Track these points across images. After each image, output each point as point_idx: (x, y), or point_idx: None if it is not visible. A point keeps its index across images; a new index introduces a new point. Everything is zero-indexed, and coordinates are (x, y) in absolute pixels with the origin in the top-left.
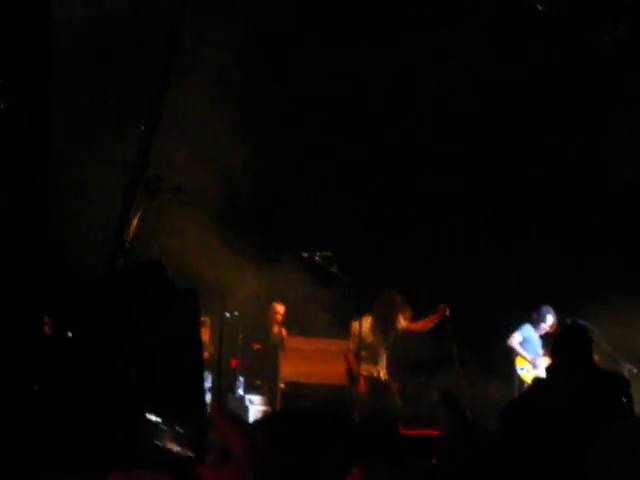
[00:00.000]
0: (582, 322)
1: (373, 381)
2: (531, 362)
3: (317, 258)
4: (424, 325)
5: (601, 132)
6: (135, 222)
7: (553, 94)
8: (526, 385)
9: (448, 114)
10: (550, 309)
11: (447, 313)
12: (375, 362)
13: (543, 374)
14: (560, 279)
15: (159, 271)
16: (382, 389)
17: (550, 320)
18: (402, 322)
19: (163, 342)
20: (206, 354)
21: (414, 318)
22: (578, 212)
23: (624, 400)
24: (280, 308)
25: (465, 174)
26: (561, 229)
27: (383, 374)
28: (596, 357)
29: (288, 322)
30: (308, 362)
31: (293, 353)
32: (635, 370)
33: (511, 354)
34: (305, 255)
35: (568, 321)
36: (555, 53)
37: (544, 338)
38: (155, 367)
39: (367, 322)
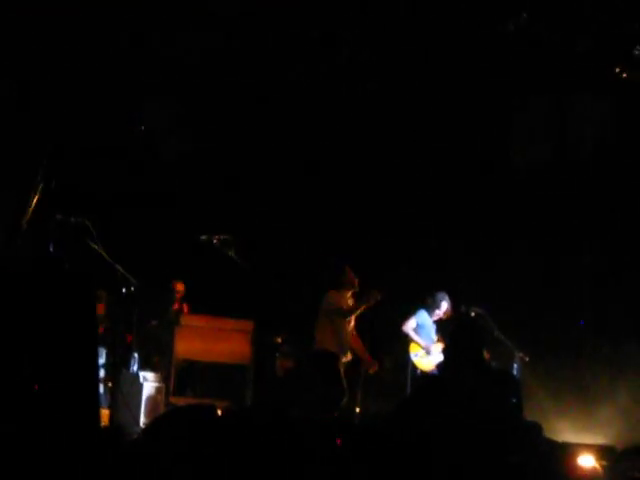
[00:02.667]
0: (476, 310)
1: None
2: (425, 348)
3: (215, 241)
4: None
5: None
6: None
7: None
8: (419, 371)
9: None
10: (445, 295)
11: (378, 298)
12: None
13: (436, 360)
14: (455, 265)
15: (51, 267)
16: None
17: (444, 306)
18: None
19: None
20: (101, 329)
21: None
22: (478, 198)
23: (514, 401)
24: (179, 285)
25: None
26: (461, 213)
27: None
28: (487, 354)
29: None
30: (204, 340)
31: (189, 330)
32: (527, 358)
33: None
34: (203, 238)
35: (463, 308)
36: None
37: (438, 323)
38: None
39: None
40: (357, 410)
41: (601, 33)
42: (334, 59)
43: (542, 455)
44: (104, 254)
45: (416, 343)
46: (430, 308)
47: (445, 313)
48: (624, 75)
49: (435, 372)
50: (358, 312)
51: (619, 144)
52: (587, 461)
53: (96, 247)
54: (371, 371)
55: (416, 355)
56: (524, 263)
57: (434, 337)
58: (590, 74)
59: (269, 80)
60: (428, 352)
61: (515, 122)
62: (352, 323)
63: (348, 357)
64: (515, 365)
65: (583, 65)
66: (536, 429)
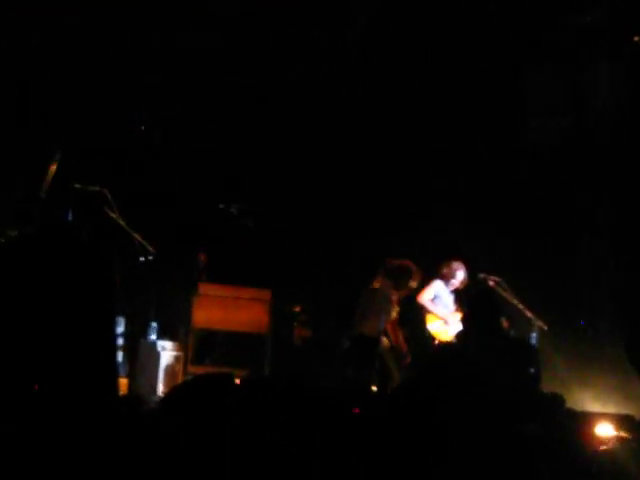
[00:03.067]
0: (494, 279)
1: None
2: (443, 318)
3: (233, 210)
4: None
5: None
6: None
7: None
8: (437, 341)
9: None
10: (461, 264)
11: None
12: None
13: (455, 330)
14: (472, 233)
15: (69, 235)
16: None
17: (461, 276)
18: None
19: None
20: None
21: None
22: (492, 167)
23: (532, 370)
24: (203, 257)
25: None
26: (478, 183)
27: None
28: (505, 323)
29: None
30: (222, 309)
31: (207, 300)
32: (545, 327)
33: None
34: (222, 206)
35: (481, 276)
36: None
37: (455, 293)
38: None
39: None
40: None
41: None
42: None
43: (559, 425)
44: (122, 223)
45: (434, 314)
46: (446, 278)
47: (461, 282)
48: None
49: (454, 342)
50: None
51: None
52: (605, 430)
53: (114, 216)
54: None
55: (434, 326)
56: (542, 232)
57: (452, 307)
58: (608, 44)
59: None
60: (446, 322)
61: (531, 93)
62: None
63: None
64: (534, 334)
65: (600, 35)
66: (557, 400)
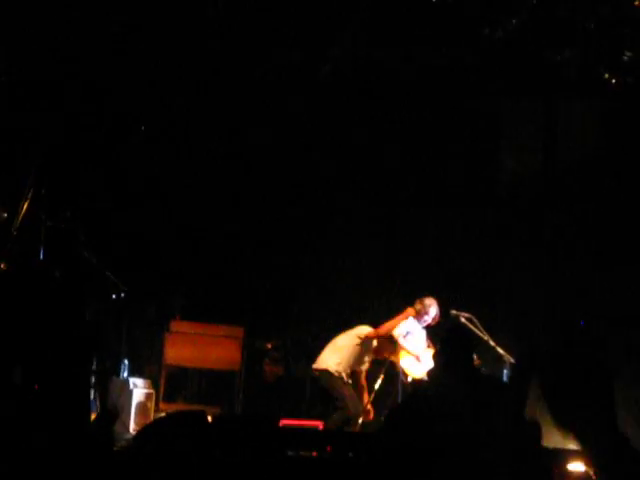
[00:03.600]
0: (465, 315)
1: None
2: (415, 356)
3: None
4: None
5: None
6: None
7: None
8: (409, 379)
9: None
10: (433, 301)
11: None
12: None
13: (427, 367)
14: (444, 270)
15: (43, 272)
16: None
17: (433, 312)
18: None
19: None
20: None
21: None
22: (463, 202)
23: (502, 407)
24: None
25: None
26: (447, 219)
27: None
28: (477, 360)
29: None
30: (194, 346)
31: (179, 336)
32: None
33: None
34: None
35: (453, 312)
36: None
37: (427, 329)
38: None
39: None
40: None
41: (589, 39)
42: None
43: (533, 462)
44: (94, 260)
45: (405, 350)
46: (419, 314)
47: (434, 319)
48: (613, 81)
49: (426, 379)
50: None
51: (609, 150)
52: (577, 467)
53: (86, 254)
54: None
55: (406, 361)
56: (512, 269)
57: (424, 344)
58: (579, 81)
59: None
60: (418, 359)
61: (502, 130)
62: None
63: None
64: (505, 371)
65: (571, 72)
66: (534, 429)
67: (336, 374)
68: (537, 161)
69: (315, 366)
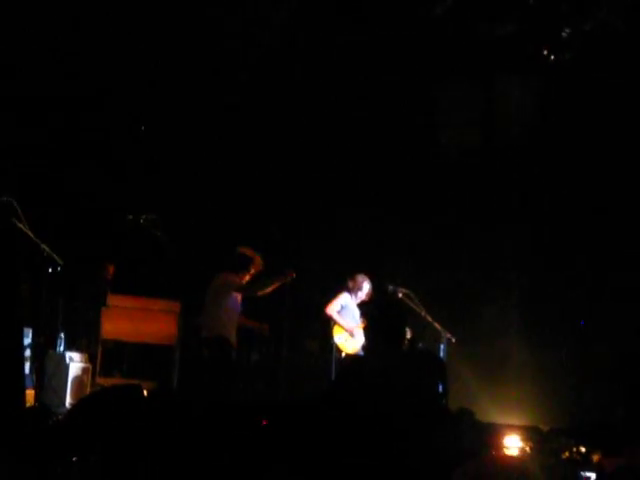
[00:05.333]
0: (402, 290)
1: None
2: (348, 331)
3: (142, 221)
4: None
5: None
6: None
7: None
8: (343, 354)
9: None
10: (366, 277)
11: (290, 278)
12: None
13: (361, 343)
14: (381, 245)
15: None
16: None
17: (366, 288)
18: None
19: None
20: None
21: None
22: (402, 178)
23: (437, 382)
24: (111, 269)
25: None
26: (385, 196)
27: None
28: (410, 333)
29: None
30: (131, 320)
31: (116, 311)
32: (454, 339)
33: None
34: (130, 217)
35: (390, 288)
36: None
37: (361, 306)
38: None
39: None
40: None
41: (528, 15)
42: None
43: (466, 437)
44: (30, 233)
45: (340, 326)
46: (352, 291)
47: (367, 295)
48: (552, 57)
49: (361, 354)
50: (269, 289)
51: (546, 127)
52: (513, 441)
53: (22, 226)
54: (265, 333)
55: (340, 338)
56: (450, 244)
57: (358, 320)
58: (517, 57)
59: None
60: (352, 334)
61: (442, 106)
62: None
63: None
64: (442, 346)
65: (510, 48)
66: (464, 413)
67: None
68: (476, 138)
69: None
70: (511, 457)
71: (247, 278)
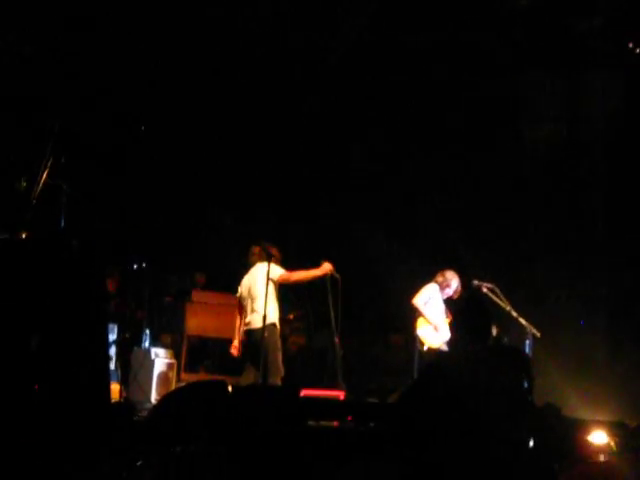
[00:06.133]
0: (487, 285)
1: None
2: (434, 324)
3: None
4: (304, 277)
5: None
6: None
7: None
8: (426, 347)
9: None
10: (455, 274)
11: (331, 273)
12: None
13: (445, 337)
14: (469, 240)
15: (60, 243)
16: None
17: (454, 285)
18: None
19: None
20: (113, 305)
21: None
22: (492, 175)
23: (523, 378)
24: (200, 279)
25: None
26: (471, 193)
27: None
28: (497, 329)
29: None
30: (215, 316)
31: (200, 307)
32: (539, 335)
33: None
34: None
35: (474, 283)
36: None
37: (448, 302)
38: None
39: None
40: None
41: (613, 9)
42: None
43: (553, 433)
44: (115, 230)
45: (425, 318)
46: (440, 286)
47: (455, 292)
48: (637, 50)
49: (444, 349)
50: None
51: (631, 121)
52: (599, 437)
53: (107, 223)
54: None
55: (424, 331)
56: (534, 241)
57: (444, 315)
58: (603, 51)
59: None
60: (437, 328)
61: (526, 100)
62: None
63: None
64: (527, 342)
65: (596, 42)
66: (551, 409)
67: None
68: (560, 132)
69: None
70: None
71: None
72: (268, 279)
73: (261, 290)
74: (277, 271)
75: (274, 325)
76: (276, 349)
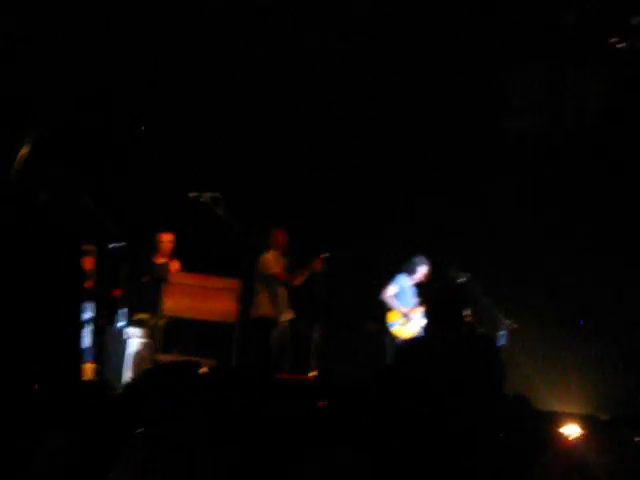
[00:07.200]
0: (464, 275)
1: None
2: (404, 315)
3: (203, 199)
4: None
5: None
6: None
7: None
8: (399, 340)
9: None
10: (422, 259)
11: (319, 268)
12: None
13: (416, 327)
14: (447, 231)
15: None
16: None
17: (422, 270)
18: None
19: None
20: (89, 284)
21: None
22: (472, 161)
23: (496, 371)
24: (166, 237)
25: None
26: (449, 179)
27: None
28: (469, 317)
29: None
30: (192, 297)
31: (177, 288)
32: (515, 326)
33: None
34: (192, 195)
35: (452, 274)
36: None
37: (418, 287)
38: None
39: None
40: (313, 373)
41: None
42: None
43: (524, 424)
44: (94, 208)
45: (395, 311)
46: (409, 272)
47: (424, 276)
48: (621, 45)
49: (419, 336)
50: (297, 279)
51: (616, 113)
52: (572, 430)
53: (87, 201)
54: (319, 267)
55: (395, 324)
56: (515, 231)
57: (413, 301)
58: (586, 44)
59: None
60: (408, 319)
61: (510, 91)
62: None
63: (288, 316)
64: (502, 332)
65: (578, 35)
66: (521, 400)
67: None
68: (543, 122)
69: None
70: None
71: (274, 253)
72: None
73: None
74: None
75: None
76: None
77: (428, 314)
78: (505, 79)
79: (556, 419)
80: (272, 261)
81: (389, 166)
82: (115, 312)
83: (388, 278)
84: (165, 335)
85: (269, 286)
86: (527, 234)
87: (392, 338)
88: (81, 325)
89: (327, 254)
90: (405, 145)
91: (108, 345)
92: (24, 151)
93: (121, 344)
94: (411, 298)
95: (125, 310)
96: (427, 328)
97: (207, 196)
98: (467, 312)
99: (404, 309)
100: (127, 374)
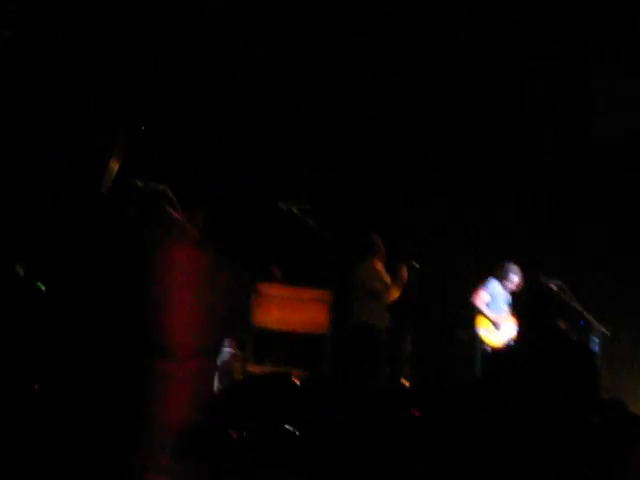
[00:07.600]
0: (556, 282)
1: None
2: (494, 322)
3: (294, 210)
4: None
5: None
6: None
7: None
8: (489, 348)
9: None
10: (514, 266)
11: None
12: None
13: (506, 336)
14: (539, 236)
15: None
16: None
17: (514, 278)
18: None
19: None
20: None
21: None
22: (558, 168)
23: (590, 378)
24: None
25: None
26: (540, 185)
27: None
28: (563, 325)
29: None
30: (282, 309)
31: (266, 299)
32: (608, 333)
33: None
34: (283, 206)
35: (543, 280)
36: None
37: (511, 296)
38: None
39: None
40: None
41: None
42: None
43: (619, 431)
44: (183, 221)
45: (485, 317)
46: (501, 279)
47: (516, 285)
48: None
49: (509, 345)
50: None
51: None
52: None
53: (177, 216)
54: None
55: (484, 330)
56: (608, 238)
57: (505, 309)
58: None
59: None
60: (497, 327)
61: (599, 91)
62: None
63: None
64: (596, 339)
65: None
66: (617, 405)
67: None
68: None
69: None
70: None
71: (376, 261)
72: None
73: None
74: None
75: None
76: None
77: (522, 321)
78: (594, 78)
79: None
80: (381, 271)
81: (471, 174)
82: None
83: (476, 283)
84: (256, 347)
85: (378, 295)
86: (619, 238)
87: (481, 342)
88: None
89: (415, 263)
90: (487, 148)
91: None
92: (114, 165)
93: None
94: (503, 305)
95: None
96: (521, 335)
97: (298, 207)
98: (562, 321)
99: (494, 316)
100: (216, 384)
